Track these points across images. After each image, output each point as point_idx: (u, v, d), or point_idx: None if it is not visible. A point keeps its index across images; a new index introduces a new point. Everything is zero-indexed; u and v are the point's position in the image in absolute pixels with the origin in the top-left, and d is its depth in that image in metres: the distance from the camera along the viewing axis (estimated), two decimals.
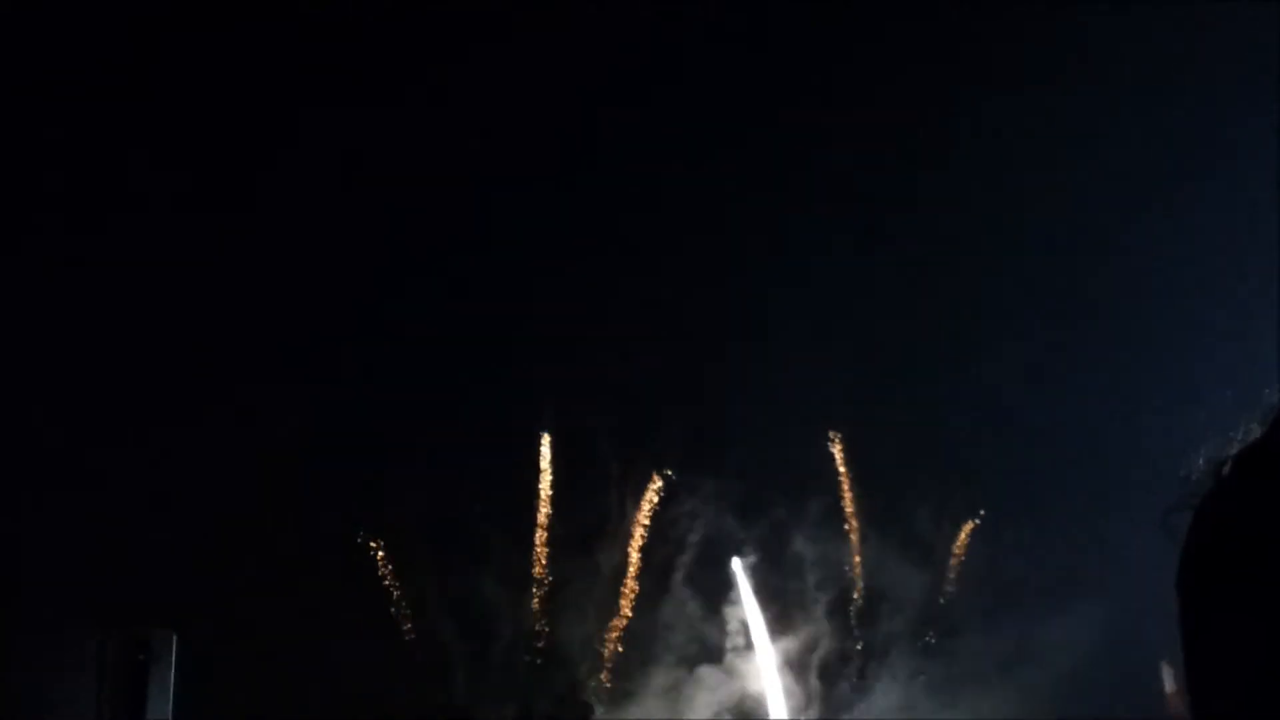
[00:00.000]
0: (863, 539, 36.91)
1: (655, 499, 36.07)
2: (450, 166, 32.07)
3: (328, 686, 29.95)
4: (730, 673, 36.57)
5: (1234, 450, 1.49)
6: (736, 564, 37.00)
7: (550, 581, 35.79)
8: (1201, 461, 1.51)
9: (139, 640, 28.85)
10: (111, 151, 30.48)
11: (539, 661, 36.02)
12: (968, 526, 36.33)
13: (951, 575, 36.60)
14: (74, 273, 30.29)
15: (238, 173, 31.49)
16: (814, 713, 36.84)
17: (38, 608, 27.53)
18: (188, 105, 30.94)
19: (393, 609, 34.19)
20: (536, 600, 35.69)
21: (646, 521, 36.13)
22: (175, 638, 28.78)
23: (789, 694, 37.12)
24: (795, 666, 36.75)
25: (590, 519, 35.45)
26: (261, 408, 30.55)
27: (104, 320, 29.67)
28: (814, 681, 36.98)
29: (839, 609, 37.20)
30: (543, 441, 35.18)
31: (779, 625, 36.71)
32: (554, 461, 35.34)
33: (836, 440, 36.66)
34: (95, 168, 30.57)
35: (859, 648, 37.01)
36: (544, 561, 35.58)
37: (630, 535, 36.11)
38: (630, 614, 36.45)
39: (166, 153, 31.14)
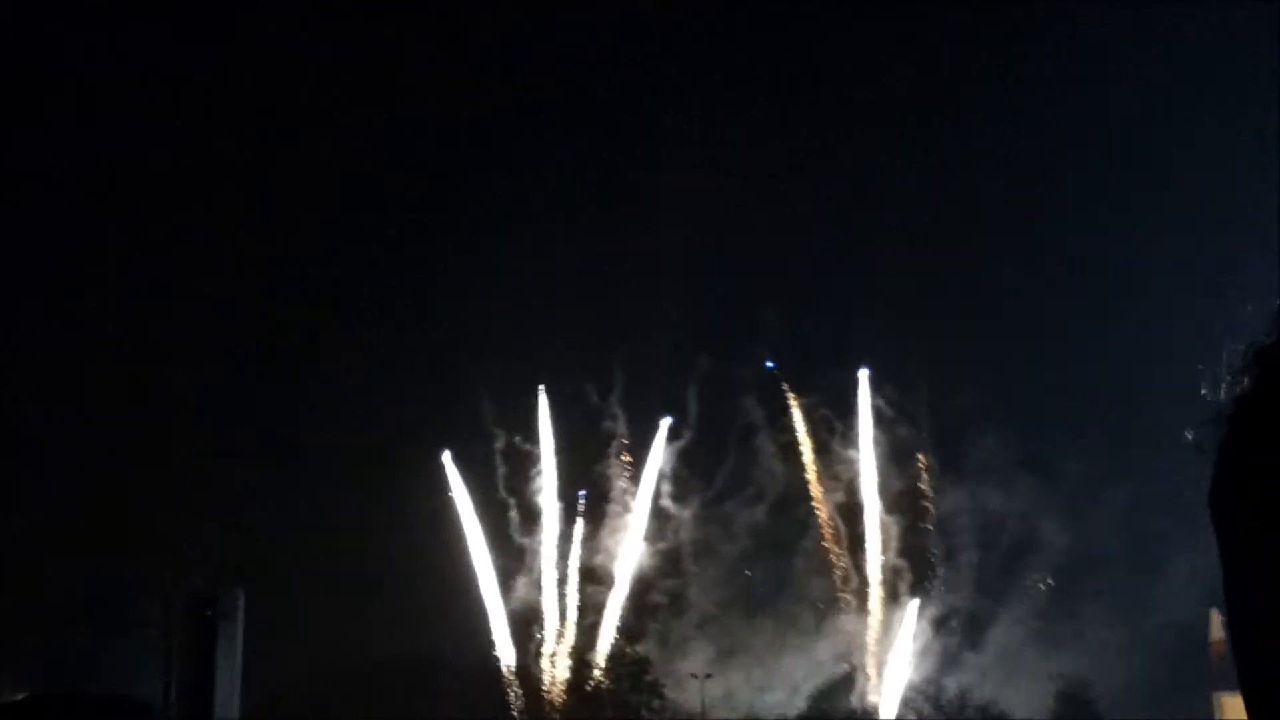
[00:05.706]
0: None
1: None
2: None
3: (390, 642, 29.74)
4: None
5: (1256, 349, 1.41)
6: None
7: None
8: (1225, 371, 1.42)
9: (207, 597, 28.82)
10: None
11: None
12: None
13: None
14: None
15: None
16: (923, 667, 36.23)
17: (104, 564, 27.67)
18: None
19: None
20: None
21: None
22: (243, 594, 28.80)
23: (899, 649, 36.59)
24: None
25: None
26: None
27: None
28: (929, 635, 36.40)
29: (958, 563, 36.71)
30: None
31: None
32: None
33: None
34: None
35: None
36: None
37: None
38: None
39: None
